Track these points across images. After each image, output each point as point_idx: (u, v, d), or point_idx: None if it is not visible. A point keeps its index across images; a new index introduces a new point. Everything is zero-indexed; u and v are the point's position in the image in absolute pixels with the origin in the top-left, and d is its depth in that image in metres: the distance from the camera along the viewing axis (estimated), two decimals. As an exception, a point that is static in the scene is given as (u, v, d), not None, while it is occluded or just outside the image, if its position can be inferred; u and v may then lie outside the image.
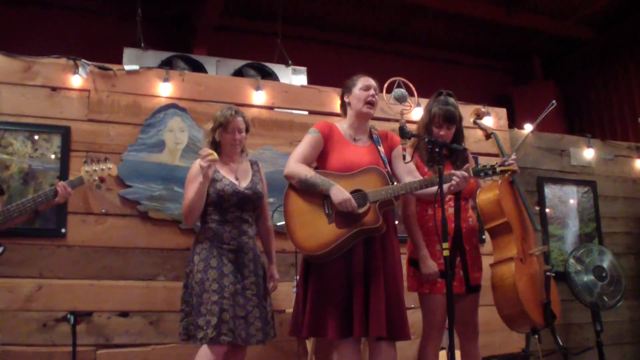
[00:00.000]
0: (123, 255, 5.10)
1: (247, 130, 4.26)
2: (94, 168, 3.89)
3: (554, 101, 4.71)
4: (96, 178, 3.90)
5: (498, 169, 3.70)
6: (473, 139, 6.12)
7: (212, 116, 4.27)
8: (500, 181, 4.21)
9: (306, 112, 6.00)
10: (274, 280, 4.28)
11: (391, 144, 3.95)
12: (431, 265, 3.98)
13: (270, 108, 5.85)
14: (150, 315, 5.06)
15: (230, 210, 4.01)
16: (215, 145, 4.14)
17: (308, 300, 3.64)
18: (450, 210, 4.10)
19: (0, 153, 4.89)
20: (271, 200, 5.32)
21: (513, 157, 4.06)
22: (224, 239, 3.96)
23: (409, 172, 3.83)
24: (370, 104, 3.87)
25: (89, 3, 8.15)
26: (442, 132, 4.16)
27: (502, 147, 4.41)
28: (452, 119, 4.17)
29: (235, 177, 4.10)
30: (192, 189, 3.95)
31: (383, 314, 3.49)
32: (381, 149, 3.87)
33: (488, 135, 4.50)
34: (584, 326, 6.52)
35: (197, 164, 3.93)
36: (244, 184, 4.08)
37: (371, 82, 3.96)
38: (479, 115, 4.54)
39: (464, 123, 4.41)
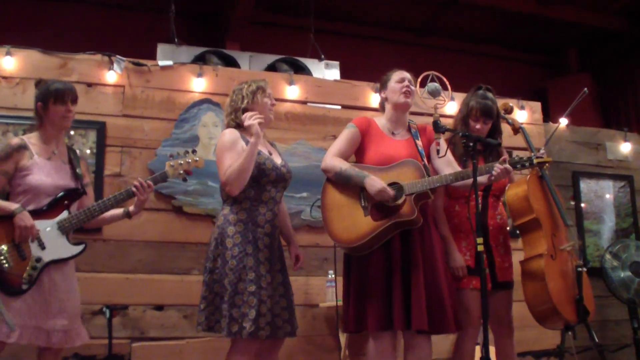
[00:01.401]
0: (158, 250, 5.16)
1: None
2: (179, 162, 3.82)
3: (585, 89, 4.63)
4: (181, 172, 3.82)
5: (535, 161, 3.66)
6: (506, 134, 6.05)
7: (231, 91, 3.99)
8: (528, 177, 4.17)
9: (339, 107, 6.00)
10: (300, 259, 4.06)
11: (430, 137, 3.94)
12: (458, 259, 3.98)
13: (304, 103, 5.87)
14: (185, 308, 5.10)
15: (267, 189, 3.73)
16: (240, 115, 3.81)
17: (351, 295, 3.66)
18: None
19: (37, 148, 4.96)
20: (304, 194, 5.35)
21: (542, 151, 4.03)
22: (258, 222, 3.69)
23: (448, 164, 3.82)
24: (407, 93, 3.87)
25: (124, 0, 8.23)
26: (478, 126, 4.13)
27: (531, 142, 4.36)
28: (490, 114, 4.15)
29: (269, 152, 3.86)
30: (230, 157, 3.62)
31: (424, 307, 3.48)
32: (419, 142, 3.87)
33: (516, 130, 4.46)
34: (621, 323, 6.44)
35: (229, 133, 3.73)
36: (278, 161, 3.85)
37: (405, 74, 3.98)
38: (507, 110, 4.49)
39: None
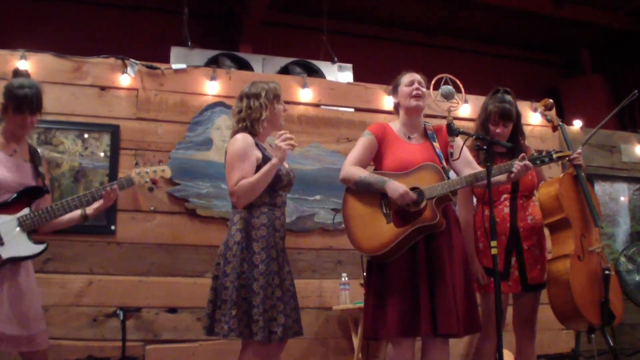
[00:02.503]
0: (171, 252, 5.17)
1: None
2: (145, 170, 3.77)
3: (636, 91, 4.59)
4: (147, 180, 3.78)
5: (554, 156, 3.61)
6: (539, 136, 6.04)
7: (244, 93, 3.85)
8: (562, 176, 4.14)
9: (352, 109, 5.99)
10: None
11: (446, 138, 3.90)
12: (474, 272, 4.01)
13: (317, 105, 5.86)
14: (198, 311, 5.09)
15: (279, 193, 3.74)
16: (257, 126, 3.75)
17: (370, 301, 3.64)
18: (506, 210, 4.06)
19: (51, 152, 4.98)
20: (318, 197, 5.34)
21: (579, 151, 4.00)
22: (276, 226, 3.68)
23: (467, 164, 3.78)
24: (416, 96, 3.83)
25: (136, 2, 8.24)
26: (498, 130, 4.11)
27: (569, 140, 4.31)
28: (508, 117, 4.12)
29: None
30: (246, 168, 3.56)
31: (453, 311, 3.46)
32: (436, 144, 3.82)
33: (555, 127, 4.42)
34: (637, 327, 6.39)
35: (241, 139, 3.64)
36: (286, 165, 3.84)
37: (415, 76, 3.90)
38: (547, 107, 4.45)
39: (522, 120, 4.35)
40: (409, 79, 3.88)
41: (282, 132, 3.64)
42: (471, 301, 3.66)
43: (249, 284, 3.54)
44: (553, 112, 4.47)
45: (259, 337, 3.45)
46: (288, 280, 3.77)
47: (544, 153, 3.64)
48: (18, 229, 3.44)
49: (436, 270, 3.55)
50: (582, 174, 4.15)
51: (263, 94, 3.79)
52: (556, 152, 3.64)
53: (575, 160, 4.06)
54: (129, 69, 5.30)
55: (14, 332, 3.35)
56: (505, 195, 4.08)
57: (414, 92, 3.82)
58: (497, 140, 3.87)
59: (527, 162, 3.58)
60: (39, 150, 3.84)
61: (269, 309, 3.51)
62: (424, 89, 3.88)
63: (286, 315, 3.59)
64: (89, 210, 3.70)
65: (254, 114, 3.75)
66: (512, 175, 3.61)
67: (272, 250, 3.62)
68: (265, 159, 3.64)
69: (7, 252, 3.38)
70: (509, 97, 4.19)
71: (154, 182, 3.84)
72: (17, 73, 3.68)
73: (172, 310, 5.08)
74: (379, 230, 3.59)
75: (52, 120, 5.00)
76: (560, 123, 4.40)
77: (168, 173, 3.91)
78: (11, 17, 7.43)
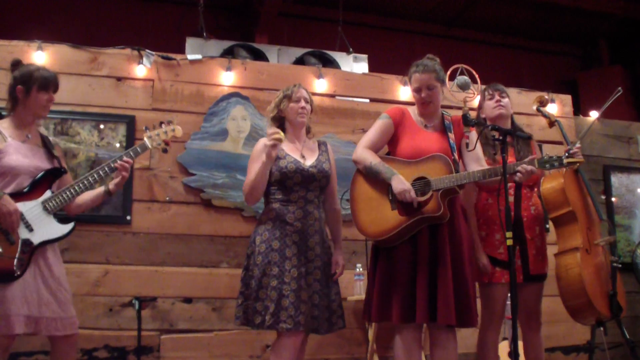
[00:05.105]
0: (187, 242, 5.19)
1: (311, 110, 4.11)
2: (156, 132, 3.83)
3: (619, 88, 4.58)
4: (160, 142, 3.83)
5: (565, 161, 3.61)
6: (537, 127, 6.00)
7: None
8: (565, 170, 4.13)
9: (367, 100, 5.98)
10: (339, 267, 4.02)
11: (462, 131, 3.89)
12: (480, 259, 3.98)
13: (332, 96, 5.86)
14: (213, 301, 5.14)
15: (294, 190, 3.82)
16: (280, 122, 3.99)
17: (376, 285, 3.67)
18: (510, 199, 4.04)
19: (68, 142, 5.01)
20: (333, 187, 5.34)
21: (577, 145, 3.98)
22: (287, 220, 3.77)
23: (475, 160, 3.79)
24: (424, 103, 3.83)
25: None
26: (497, 98, 4.17)
27: (567, 136, 4.31)
28: (498, 87, 4.22)
29: (301, 155, 3.93)
30: (254, 168, 3.80)
31: (452, 301, 3.47)
32: (451, 135, 3.82)
33: (552, 123, 4.42)
34: (652, 319, 6.36)
35: (261, 142, 3.87)
36: (309, 162, 3.89)
37: (420, 77, 3.81)
38: (542, 103, 4.46)
39: (527, 110, 4.35)
40: (415, 86, 3.88)
41: (270, 129, 3.81)
42: (469, 293, 3.62)
43: (252, 275, 3.75)
44: (549, 108, 4.48)
45: (251, 325, 3.71)
46: (316, 275, 3.83)
47: (554, 157, 3.63)
48: (44, 212, 3.52)
49: (438, 260, 3.57)
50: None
51: (277, 97, 4.06)
52: (567, 157, 3.64)
53: (575, 155, 4.04)
54: (144, 59, 5.32)
55: (42, 314, 3.42)
56: (509, 184, 4.06)
57: (422, 100, 3.84)
58: (513, 131, 3.86)
59: (532, 167, 3.61)
60: (50, 138, 3.87)
61: (264, 298, 3.65)
62: (429, 92, 3.88)
63: (285, 305, 3.61)
64: (111, 185, 3.76)
65: (270, 114, 4.06)
66: (517, 178, 3.63)
67: (275, 242, 3.75)
68: (277, 159, 3.82)
69: (37, 237, 3.47)
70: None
71: (166, 143, 3.88)
72: (19, 63, 3.71)
73: (188, 300, 5.11)
74: (383, 215, 3.63)
75: (69, 111, 5.05)
76: (557, 120, 4.41)
77: (179, 131, 3.96)
78: (28, 8, 7.47)
